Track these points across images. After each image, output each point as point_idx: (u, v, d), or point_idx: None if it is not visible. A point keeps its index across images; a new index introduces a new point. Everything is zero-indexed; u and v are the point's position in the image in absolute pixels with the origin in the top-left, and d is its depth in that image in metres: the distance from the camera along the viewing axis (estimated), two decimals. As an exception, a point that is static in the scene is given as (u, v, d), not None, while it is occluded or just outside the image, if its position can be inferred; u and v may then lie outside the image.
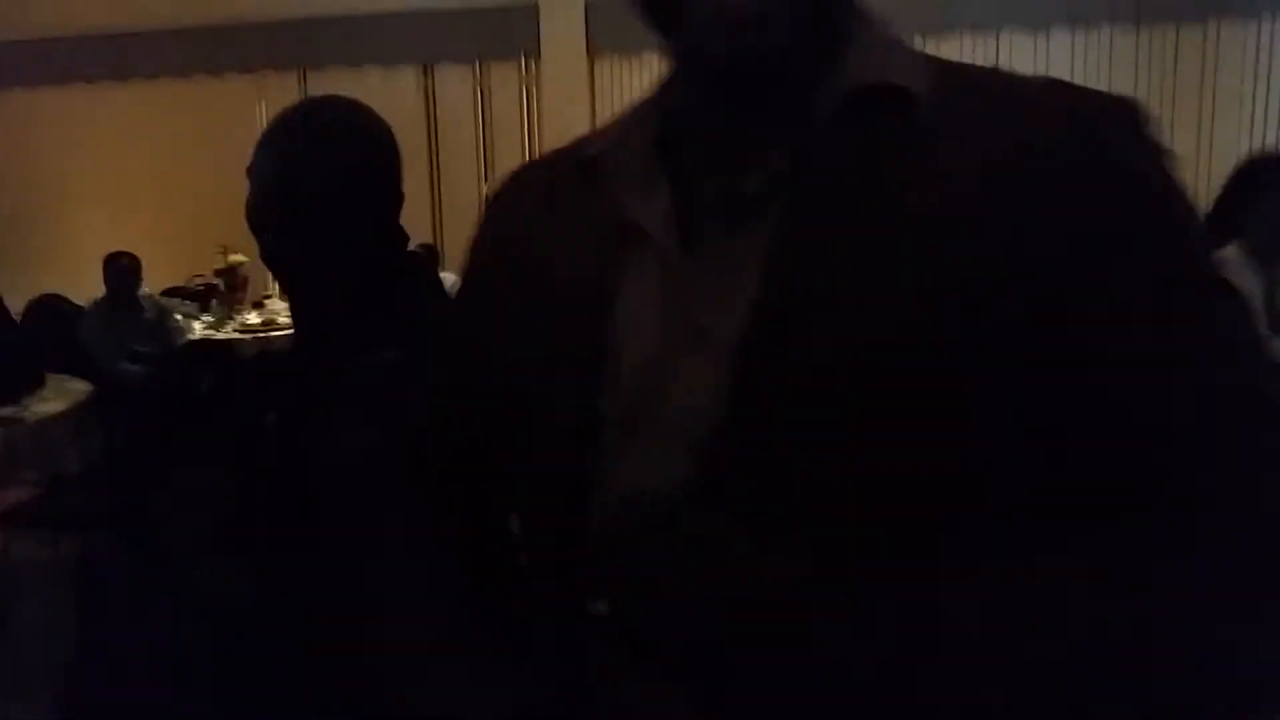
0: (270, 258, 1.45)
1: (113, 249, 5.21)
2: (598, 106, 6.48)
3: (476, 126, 6.72)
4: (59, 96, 7.16)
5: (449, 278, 6.06)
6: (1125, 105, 0.67)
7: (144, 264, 5.20)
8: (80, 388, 4.00)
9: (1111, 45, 5.78)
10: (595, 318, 0.70)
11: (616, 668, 0.67)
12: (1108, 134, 0.64)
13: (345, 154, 1.39)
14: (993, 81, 0.70)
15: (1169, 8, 5.64)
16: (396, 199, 1.46)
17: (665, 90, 0.76)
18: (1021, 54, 5.85)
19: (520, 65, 6.66)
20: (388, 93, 6.86)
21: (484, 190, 6.74)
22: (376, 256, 1.43)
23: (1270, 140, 5.64)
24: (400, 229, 1.50)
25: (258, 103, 7.10)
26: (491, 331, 0.80)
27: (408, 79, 6.84)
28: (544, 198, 0.80)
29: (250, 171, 1.42)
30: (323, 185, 1.36)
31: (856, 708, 0.59)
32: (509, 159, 6.62)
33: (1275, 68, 5.65)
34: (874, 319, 0.61)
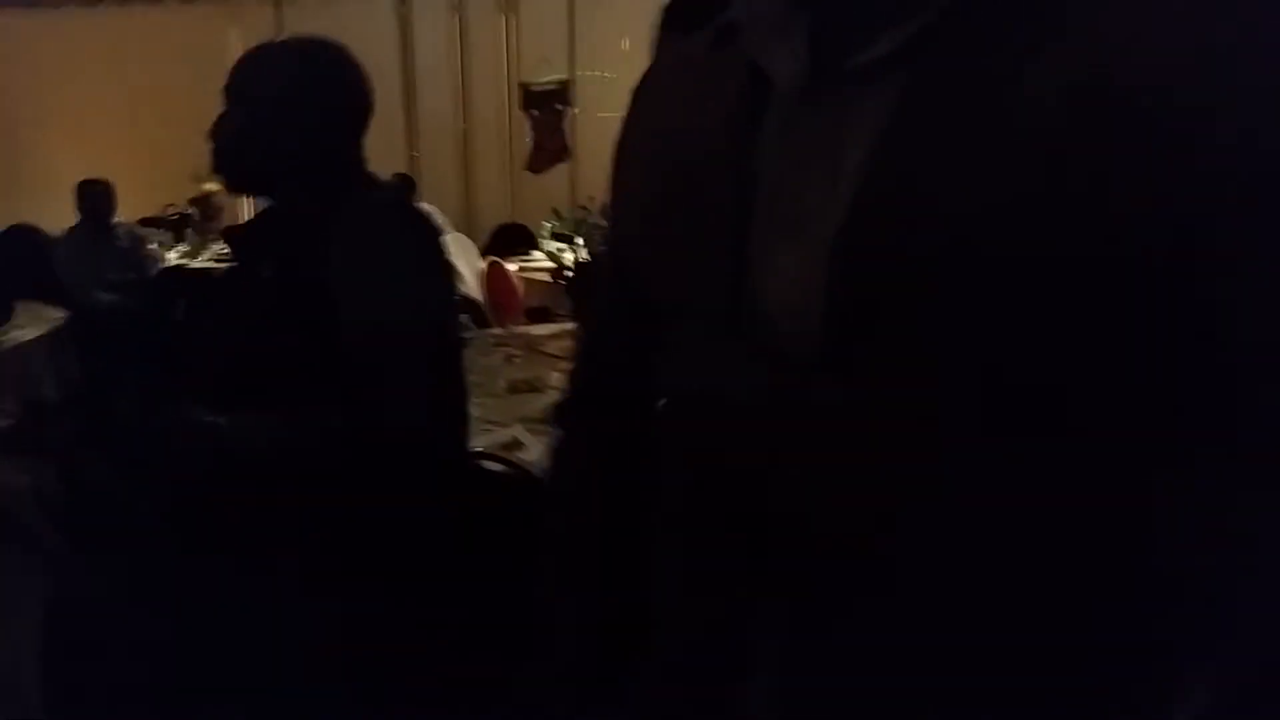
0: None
1: (86, 176, 5.18)
2: (578, 38, 6.43)
3: (453, 55, 6.66)
4: (27, 22, 7.03)
5: (426, 207, 6.00)
6: None
7: (117, 192, 5.17)
8: (56, 315, 4.00)
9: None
10: (731, 183, 0.68)
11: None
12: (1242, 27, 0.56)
13: (314, 99, 1.54)
14: None
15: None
16: (354, 135, 1.60)
17: None
18: None
19: (497, -5, 6.59)
20: (363, 21, 6.77)
21: (462, 119, 6.70)
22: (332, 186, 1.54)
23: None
24: (360, 169, 1.62)
25: (230, 29, 7.00)
26: (639, 211, 0.80)
27: (383, 7, 6.76)
28: (684, 63, 0.79)
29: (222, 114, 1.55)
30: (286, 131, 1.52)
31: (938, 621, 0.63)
32: (486, 90, 6.59)
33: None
34: (979, 215, 0.58)
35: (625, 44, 5.39)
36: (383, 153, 6.62)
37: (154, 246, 5.35)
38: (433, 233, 1.62)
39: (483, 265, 5.24)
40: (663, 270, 0.76)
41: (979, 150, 0.58)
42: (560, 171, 6.43)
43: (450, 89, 6.49)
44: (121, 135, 6.45)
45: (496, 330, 3.85)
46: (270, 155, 1.54)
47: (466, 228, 6.15)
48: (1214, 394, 0.58)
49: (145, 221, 5.98)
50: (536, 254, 5.49)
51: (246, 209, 6.88)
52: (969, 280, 0.58)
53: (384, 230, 1.51)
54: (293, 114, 1.53)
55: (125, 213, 5.48)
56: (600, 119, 6.40)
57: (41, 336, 3.72)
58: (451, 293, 1.76)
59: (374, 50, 7.35)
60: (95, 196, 4.99)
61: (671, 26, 1.54)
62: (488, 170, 6.73)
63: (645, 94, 0.84)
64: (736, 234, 0.67)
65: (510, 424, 2.24)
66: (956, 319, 0.59)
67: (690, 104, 0.75)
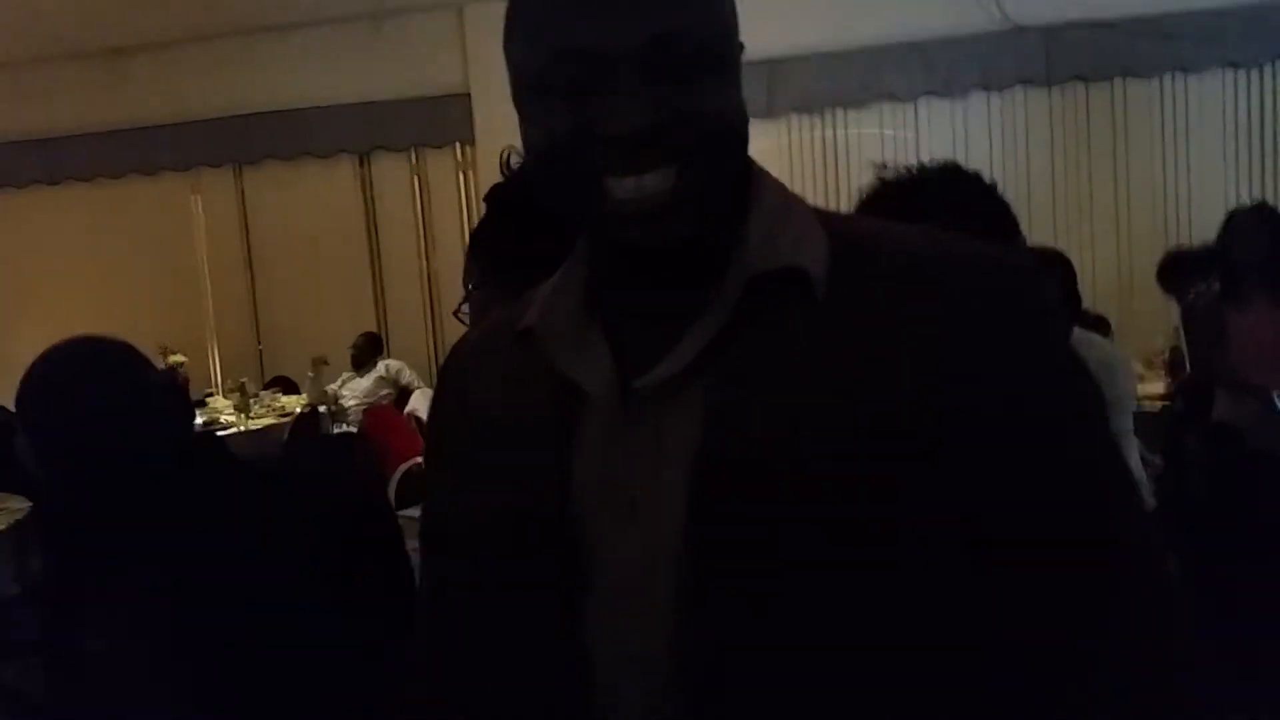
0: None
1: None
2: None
3: (415, 213, 6.78)
4: (-8, 203, 7.13)
5: (395, 364, 5.97)
6: (1017, 267, 0.75)
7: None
8: (20, 505, 3.91)
9: (1026, 106, 6.00)
10: (555, 478, 0.74)
11: None
12: (990, 304, 0.71)
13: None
14: (886, 246, 0.75)
15: (1076, 69, 5.88)
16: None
17: (584, 255, 0.80)
18: (939, 120, 6.05)
19: (455, 151, 6.75)
20: (324, 183, 6.91)
21: (424, 271, 6.78)
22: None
23: (1181, 190, 5.88)
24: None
25: (192, 199, 7.12)
26: (455, 501, 0.83)
27: (344, 169, 6.90)
28: (490, 366, 0.84)
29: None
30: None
31: None
32: (448, 243, 6.69)
33: (1179, 122, 5.90)
34: (798, 482, 0.68)
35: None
36: (353, 308, 6.65)
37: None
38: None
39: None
40: (488, 570, 0.78)
41: (782, 427, 0.69)
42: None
43: (413, 245, 6.59)
44: (89, 309, 6.46)
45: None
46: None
47: (433, 379, 6.16)
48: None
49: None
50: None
51: (218, 376, 6.88)
52: (803, 526, 0.68)
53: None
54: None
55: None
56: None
57: (5, 529, 3.62)
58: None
59: (337, 210, 7.47)
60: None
61: (480, 256, 1.57)
62: (453, 323, 6.76)
63: (454, 376, 0.89)
64: (563, 514, 0.73)
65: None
66: (802, 564, 0.68)
67: (505, 393, 0.80)
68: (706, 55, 0.69)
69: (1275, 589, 2.48)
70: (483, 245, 1.63)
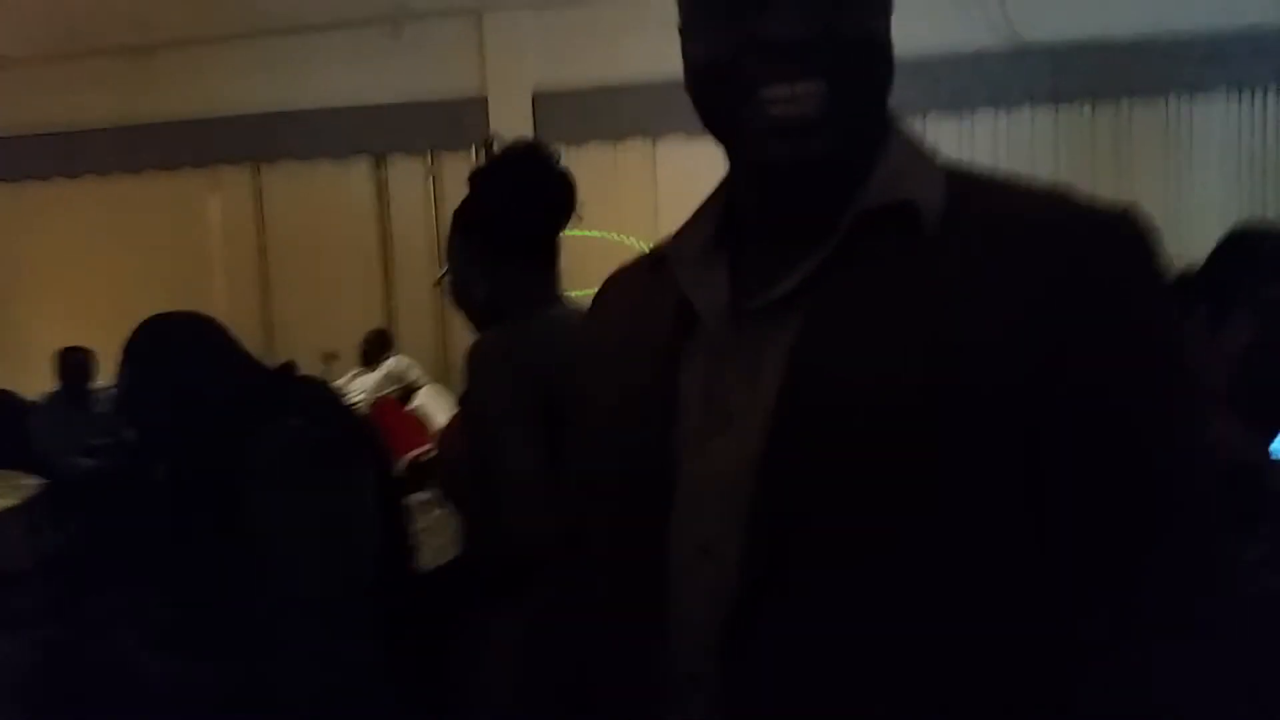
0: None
1: (66, 344, 5.24)
2: (546, 193, 6.65)
3: (429, 215, 6.87)
4: (10, 193, 7.23)
5: (403, 360, 6.04)
6: (1119, 224, 0.76)
7: (98, 358, 5.24)
8: (32, 483, 3.99)
9: (1032, 124, 6.07)
10: (664, 393, 0.82)
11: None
12: (1100, 255, 0.73)
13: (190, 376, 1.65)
14: (1002, 194, 0.80)
15: (1083, 88, 5.95)
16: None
17: (725, 189, 0.88)
18: (945, 135, 6.12)
19: (472, 155, 6.84)
20: (340, 183, 7.01)
21: (439, 274, 6.84)
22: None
23: (1187, 210, 5.94)
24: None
25: (211, 196, 7.21)
26: (591, 405, 0.93)
27: (360, 170, 7.00)
28: (626, 292, 0.95)
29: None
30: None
31: None
32: (460, 245, 6.76)
33: (1185, 143, 5.97)
34: (872, 412, 0.72)
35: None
36: (363, 306, 6.71)
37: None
38: (354, 462, 1.66)
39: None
40: (602, 454, 0.89)
41: (867, 359, 0.74)
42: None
43: (425, 246, 6.67)
44: (103, 302, 6.55)
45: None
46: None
47: (444, 377, 6.22)
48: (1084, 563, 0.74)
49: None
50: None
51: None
52: (873, 456, 0.72)
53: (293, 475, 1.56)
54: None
55: (106, 378, 5.54)
56: (571, 270, 6.57)
57: (16, 506, 3.70)
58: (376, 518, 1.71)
59: (352, 210, 7.54)
60: (75, 364, 5.06)
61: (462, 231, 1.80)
62: (462, 321, 6.84)
63: (601, 302, 1.00)
64: (668, 424, 0.81)
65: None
66: (868, 488, 0.73)
67: (634, 316, 0.90)
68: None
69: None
70: (464, 221, 1.75)
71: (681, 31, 0.81)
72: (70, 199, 7.25)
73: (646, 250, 0.95)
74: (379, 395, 6.02)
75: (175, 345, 1.68)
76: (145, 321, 1.70)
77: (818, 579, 0.74)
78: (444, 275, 1.81)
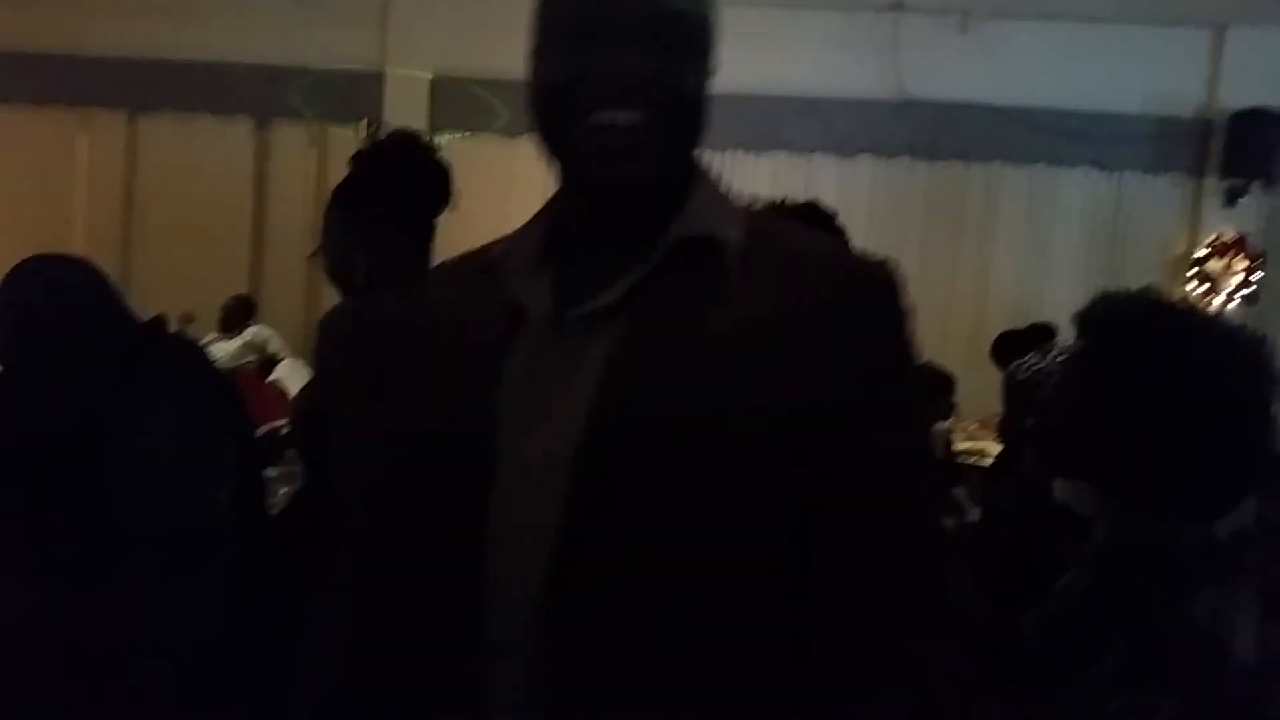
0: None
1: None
2: (433, 179, 6.59)
3: (308, 186, 6.71)
4: None
5: (264, 331, 5.88)
6: (882, 271, 0.91)
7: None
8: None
9: (910, 173, 6.37)
10: (487, 381, 0.91)
11: None
12: (864, 296, 0.89)
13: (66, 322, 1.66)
14: (792, 238, 0.95)
15: (959, 147, 6.28)
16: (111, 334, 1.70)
17: (554, 204, 0.98)
18: (827, 176, 6.36)
19: (360, 131, 6.72)
20: (220, 142, 6.79)
21: (313, 248, 6.70)
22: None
23: (1040, 270, 6.33)
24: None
25: (80, 136, 6.89)
26: (407, 395, 1.01)
27: (242, 131, 6.80)
28: (451, 288, 1.04)
29: None
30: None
31: None
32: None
33: (1047, 209, 6.37)
34: (682, 412, 0.84)
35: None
36: (229, 270, 6.49)
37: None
38: (218, 408, 1.71)
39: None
40: (423, 433, 0.96)
41: (674, 369, 0.86)
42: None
43: (302, 217, 6.51)
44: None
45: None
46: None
47: (306, 352, 6.09)
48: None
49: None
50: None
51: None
52: (673, 450, 0.84)
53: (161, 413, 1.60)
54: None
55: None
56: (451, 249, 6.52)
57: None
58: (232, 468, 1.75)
59: (228, 170, 7.29)
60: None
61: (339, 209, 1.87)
62: (332, 296, 6.71)
63: (423, 294, 1.09)
64: (489, 411, 0.90)
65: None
66: (666, 478, 0.85)
67: (457, 310, 0.99)
68: (686, 34, 0.89)
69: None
70: (344, 199, 1.82)
71: (530, 56, 0.93)
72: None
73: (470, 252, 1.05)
74: (237, 364, 5.86)
75: (59, 287, 1.68)
76: (27, 261, 1.69)
77: (622, 555, 0.85)
78: (318, 250, 1.85)
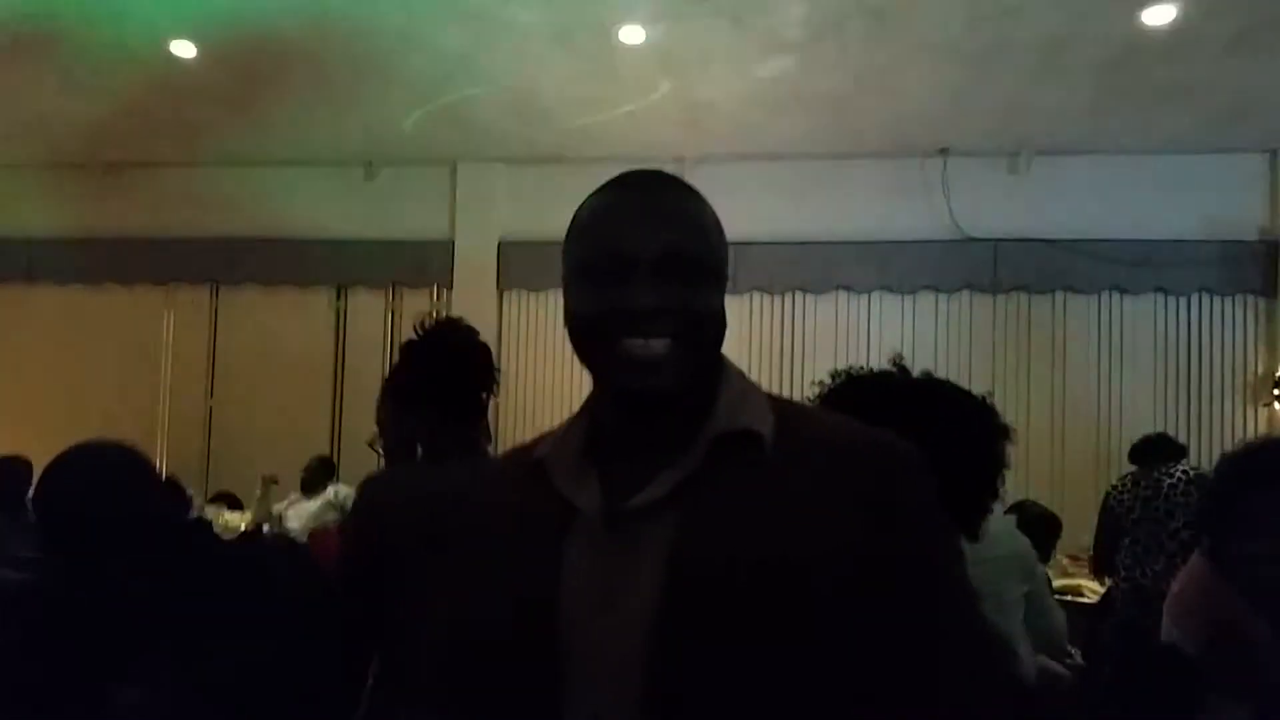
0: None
1: (6, 452, 5.15)
2: (504, 336, 6.80)
3: (384, 348, 6.95)
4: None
5: (344, 490, 5.95)
6: (903, 447, 1.00)
7: (37, 469, 5.14)
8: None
9: (971, 309, 6.39)
10: (549, 576, 0.97)
11: None
12: (891, 469, 0.98)
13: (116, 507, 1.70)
14: (818, 423, 1.04)
15: (1020, 280, 6.32)
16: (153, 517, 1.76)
17: (593, 406, 1.07)
18: (890, 313, 6.42)
19: (432, 294, 7.00)
20: (300, 310, 7.09)
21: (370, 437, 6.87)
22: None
23: (1114, 399, 6.23)
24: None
25: (166, 313, 7.25)
26: (459, 592, 1.06)
27: (321, 299, 7.10)
28: (503, 486, 1.10)
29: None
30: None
31: None
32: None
33: (1114, 337, 6.32)
34: (743, 596, 0.90)
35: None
36: (310, 432, 6.64)
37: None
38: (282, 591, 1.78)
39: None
40: (482, 627, 1.01)
41: (732, 554, 0.92)
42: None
43: (378, 378, 6.70)
44: (51, 410, 6.49)
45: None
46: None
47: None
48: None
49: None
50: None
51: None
52: (742, 632, 0.90)
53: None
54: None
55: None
56: (521, 410, 6.65)
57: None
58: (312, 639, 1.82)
59: (307, 336, 7.53)
60: (10, 474, 4.96)
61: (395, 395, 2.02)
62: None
63: (465, 491, 1.14)
64: (552, 607, 0.95)
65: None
66: (739, 658, 0.90)
67: (510, 508, 1.06)
68: (701, 269, 0.99)
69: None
70: (394, 387, 1.96)
71: (564, 286, 1.03)
72: (26, 305, 7.24)
73: (519, 449, 1.13)
74: (318, 524, 5.95)
75: (104, 478, 1.72)
76: (74, 449, 1.75)
77: None
78: (374, 438, 1.99)
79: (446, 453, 1.89)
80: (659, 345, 0.95)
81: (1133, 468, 4.70)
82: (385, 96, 5.75)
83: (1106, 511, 4.71)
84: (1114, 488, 4.75)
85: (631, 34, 4.91)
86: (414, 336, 2.00)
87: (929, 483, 1.01)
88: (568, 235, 1.05)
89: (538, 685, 0.94)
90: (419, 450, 1.91)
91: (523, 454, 1.10)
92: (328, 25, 4.88)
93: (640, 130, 6.02)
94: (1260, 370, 6.15)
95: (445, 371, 1.94)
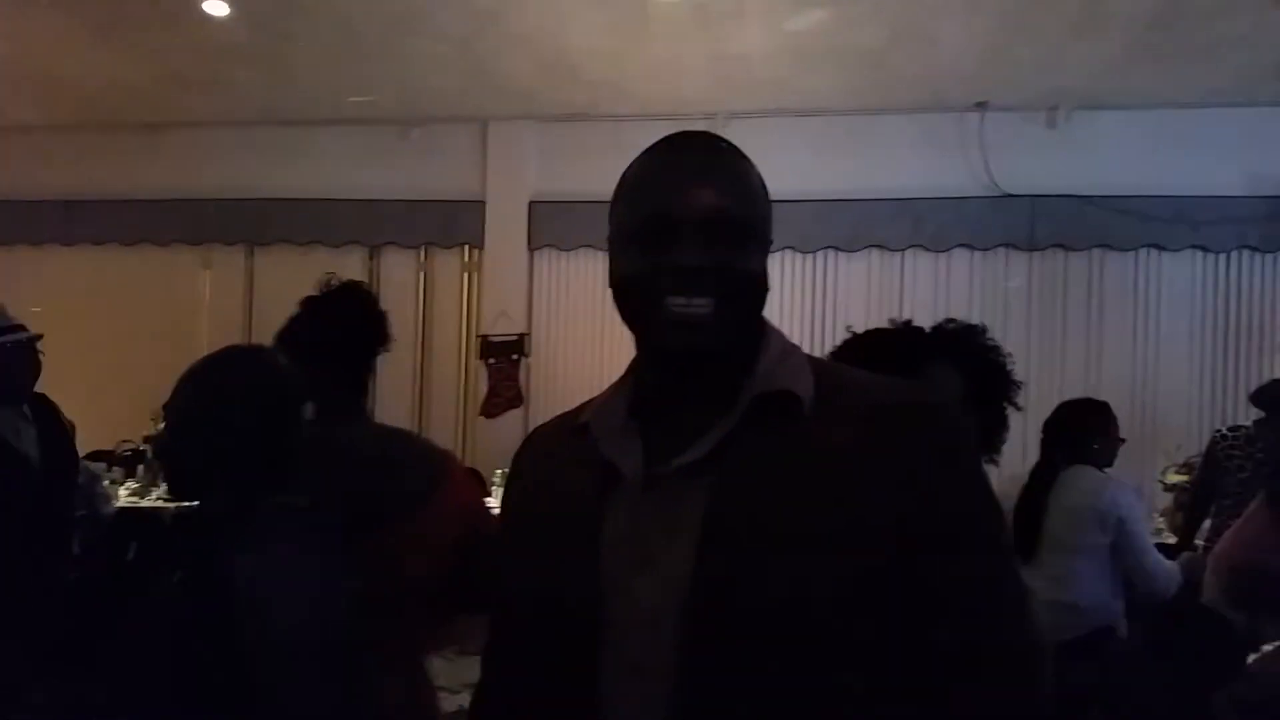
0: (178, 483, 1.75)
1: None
2: (535, 296, 6.82)
3: (417, 307, 6.99)
4: (4, 257, 7.29)
5: None
6: (941, 404, 1.04)
7: (77, 428, 5.23)
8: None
9: (1007, 266, 6.33)
10: (590, 537, 1.00)
11: None
12: (928, 428, 0.99)
13: (249, 407, 1.67)
14: (857, 383, 1.05)
15: (1057, 237, 6.22)
16: (296, 428, 1.74)
17: (637, 367, 1.10)
18: (924, 272, 6.36)
19: (463, 254, 7.01)
20: (332, 267, 7.09)
21: (419, 366, 6.95)
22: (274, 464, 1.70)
23: (1150, 357, 6.16)
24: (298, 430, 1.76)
25: (202, 273, 7.31)
26: (519, 555, 1.11)
27: (354, 259, 7.13)
28: (551, 452, 1.14)
29: (166, 408, 1.70)
30: (230, 436, 1.65)
31: None
32: (446, 339, 6.89)
33: (1151, 294, 6.23)
34: (780, 554, 0.92)
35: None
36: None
37: (106, 484, 5.36)
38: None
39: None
40: (533, 595, 1.05)
41: (769, 513, 0.94)
42: (513, 418, 6.63)
43: (411, 337, 6.77)
44: (87, 370, 6.58)
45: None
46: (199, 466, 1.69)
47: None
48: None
49: (96, 455, 6.00)
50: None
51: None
52: (777, 586, 0.91)
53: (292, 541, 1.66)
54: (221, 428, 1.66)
55: (82, 446, 5.52)
56: (551, 370, 6.68)
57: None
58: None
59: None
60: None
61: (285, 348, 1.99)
62: (444, 416, 6.91)
63: (525, 459, 1.19)
64: (594, 564, 0.99)
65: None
66: (775, 613, 0.91)
67: (557, 472, 1.09)
68: (745, 230, 1.01)
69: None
70: (289, 336, 2.01)
71: (610, 246, 1.06)
72: (63, 265, 7.33)
73: (565, 416, 1.16)
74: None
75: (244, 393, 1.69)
76: (224, 353, 1.76)
77: (738, 690, 0.92)
78: None
79: (326, 411, 1.89)
80: (702, 305, 0.97)
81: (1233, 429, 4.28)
82: (418, 52, 5.72)
83: (1210, 465, 4.26)
84: (1221, 437, 4.32)
85: (663, -12, 4.85)
86: (314, 293, 2.05)
87: (966, 440, 1.02)
88: (615, 197, 1.06)
89: (578, 642, 0.97)
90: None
91: (570, 418, 1.14)
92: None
93: (670, 86, 5.98)
94: (1302, 326, 6.06)
95: (338, 332, 1.99)
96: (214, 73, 6.16)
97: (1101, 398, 3.90)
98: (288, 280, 7.06)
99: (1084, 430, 3.61)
